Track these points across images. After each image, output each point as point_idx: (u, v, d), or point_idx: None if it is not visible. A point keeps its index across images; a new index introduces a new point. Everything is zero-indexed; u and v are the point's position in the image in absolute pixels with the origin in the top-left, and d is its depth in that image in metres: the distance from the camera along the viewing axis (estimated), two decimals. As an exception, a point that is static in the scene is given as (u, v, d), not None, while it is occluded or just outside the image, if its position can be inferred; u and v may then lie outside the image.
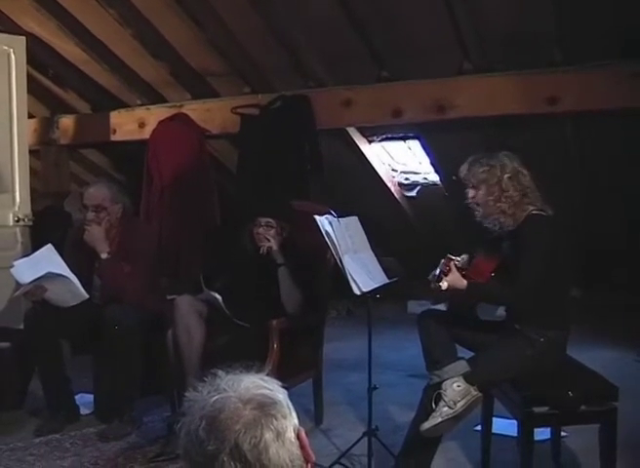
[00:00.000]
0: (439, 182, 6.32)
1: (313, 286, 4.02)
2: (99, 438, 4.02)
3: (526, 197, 3.22)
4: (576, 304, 3.91)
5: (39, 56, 6.09)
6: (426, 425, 3.08)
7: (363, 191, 6.48)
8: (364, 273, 3.57)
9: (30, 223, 5.18)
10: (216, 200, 6.17)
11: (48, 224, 5.62)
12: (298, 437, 1.32)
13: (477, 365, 3.16)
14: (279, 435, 1.27)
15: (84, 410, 4.38)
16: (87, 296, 4.13)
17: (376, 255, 3.79)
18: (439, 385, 3.13)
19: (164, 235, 5.68)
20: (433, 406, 3.11)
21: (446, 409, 3.07)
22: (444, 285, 3.12)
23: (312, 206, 4.27)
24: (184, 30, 5.40)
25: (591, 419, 3.08)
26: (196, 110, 6.19)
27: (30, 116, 6.12)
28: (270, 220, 4.02)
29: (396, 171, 6.61)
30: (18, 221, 5.11)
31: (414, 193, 6.62)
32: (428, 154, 6.04)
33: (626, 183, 5.48)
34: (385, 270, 3.77)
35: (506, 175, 3.21)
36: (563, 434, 3.62)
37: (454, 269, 3.13)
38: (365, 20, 4.90)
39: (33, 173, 5.89)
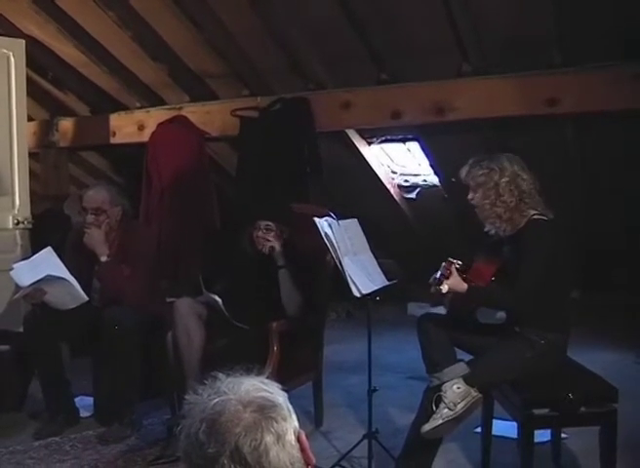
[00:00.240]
0: (439, 184, 6.31)
1: (313, 288, 4.02)
2: (98, 441, 4.02)
3: (524, 202, 3.21)
4: (575, 306, 3.91)
5: (38, 58, 6.09)
6: (427, 427, 3.08)
7: (362, 193, 6.48)
8: (364, 275, 3.58)
9: (30, 226, 5.17)
10: (215, 202, 6.17)
11: (47, 227, 5.62)
12: (298, 439, 1.32)
13: (477, 367, 3.16)
14: (279, 438, 1.27)
15: (84, 413, 4.38)
16: (86, 299, 4.14)
17: (375, 258, 3.80)
18: (439, 387, 3.13)
19: (163, 237, 5.68)
20: (433, 408, 3.11)
21: (446, 410, 3.07)
22: (445, 288, 3.12)
23: (312, 208, 4.28)
24: (183, 32, 5.40)
25: (591, 421, 3.09)
26: (195, 113, 6.19)
27: (30, 119, 6.13)
28: (270, 224, 4.02)
29: (396, 173, 6.61)
30: (17, 224, 5.10)
31: (413, 195, 6.62)
32: (428, 156, 6.04)
33: (626, 184, 5.48)
34: (385, 272, 3.77)
35: (504, 180, 3.21)
36: (563, 436, 3.62)
37: (454, 273, 3.13)
38: (364, 22, 4.89)
39: (33, 175, 5.89)
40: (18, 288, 4.22)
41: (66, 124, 7.09)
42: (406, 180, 6.62)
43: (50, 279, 4.02)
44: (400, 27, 4.84)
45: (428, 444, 3.21)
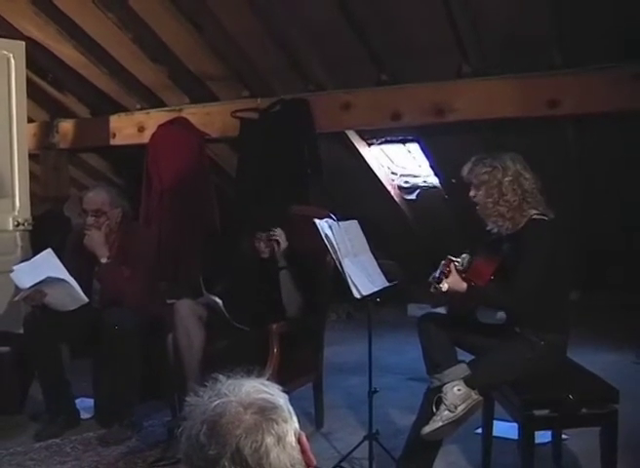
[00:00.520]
0: (439, 185, 6.32)
1: (313, 289, 4.02)
2: (99, 442, 4.02)
3: (526, 201, 3.21)
4: (574, 306, 3.91)
5: (38, 60, 6.10)
6: (427, 429, 3.08)
7: (363, 194, 6.48)
8: (364, 276, 3.57)
9: (30, 228, 5.18)
10: (215, 204, 6.17)
11: (47, 229, 5.61)
12: (299, 441, 1.32)
13: (478, 368, 3.16)
14: (280, 439, 1.27)
15: (84, 415, 4.38)
16: (87, 300, 4.14)
17: (375, 259, 3.80)
18: (440, 389, 3.13)
19: (163, 239, 5.69)
20: (434, 409, 3.10)
21: (447, 412, 3.07)
22: (444, 286, 3.11)
23: (312, 209, 4.28)
24: (183, 34, 5.40)
25: (592, 422, 3.09)
26: (196, 114, 6.20)
27: (30, 120, 6.13)
28: (272, 232, 4.00)
29: (396, 174, 6.61)
30: (17, 226, 5.11)
31: (413, 196, 6.62)
32: (428, 157, 6.04)
33: (624, 185, 5.49)
34: (385, 273, 3.77)
35: (507, 179, 3.20)
36: (564, 437, 3.61)
37: (454, 271, 3.13)
38: (364, 23, 4.89)
39: (33, 177, 5.89)
40: (18, 289, 4.23)
41: (66, 125, 7.09)
42: (406, 181, 6.62)
43: (50, 281, 4.02)
44: (399, 28, 4.84)
45: (429, 445, 3.21)
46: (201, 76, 6.05)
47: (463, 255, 3.23)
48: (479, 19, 4.57)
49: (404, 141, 6.18)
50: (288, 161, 5.62)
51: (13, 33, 5.63)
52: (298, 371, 3.98)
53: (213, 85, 6.12)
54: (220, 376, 1.36)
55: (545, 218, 3.19)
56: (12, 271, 4.21)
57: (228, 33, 5.33)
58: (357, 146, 6.03)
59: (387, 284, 3.71)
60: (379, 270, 3.75)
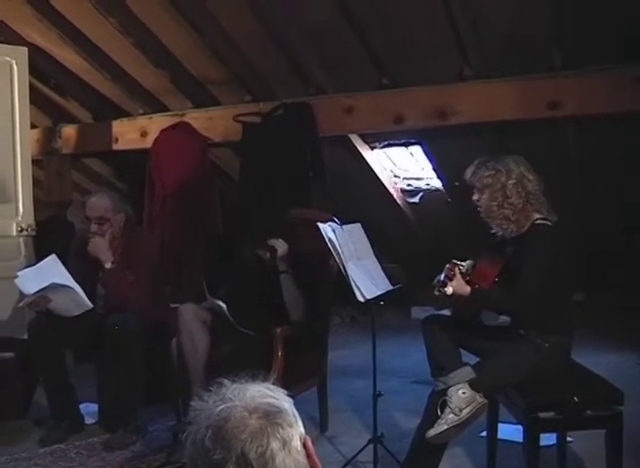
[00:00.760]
0: (442, 188, 6.32)
1: (316, 293, 4.02)
2: (103, 447, 4.01)
3: (530, 203, 3.20)
4: (579, 308, 3.90)
5: (41, 66, 6.11)
6: (432, 432, 3.07)
7: (366, 198, 6.48)
8: (367, 280, 3.57)
9: (34, 233, 5.18)
10: (218, 208, 6.18)
11: (51, 234, 5.62)
12: (304, 445, 1.31)
13: (482, 371, 3.15)
14: (285, 444, 1.27)
15: (88, 420, 4.37)
16: (91, 306, 4.14)
17: (379, 262, 3.79)
18: (444, 392, 3.12)
19: (166, 243, 5.68)
20: (439, 412, 3.10)
21: (451, 416, 3.06)
22: (449, 290, 3.11)
23: (315, 213, 4.27)
24: (185, 38, 5.41)
25: (597, 424, 3.08)
26: (198, 119, 6.20)
27: (33, 126, 6.14)
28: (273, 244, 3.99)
29: (399, 177, 6.61)
30: (21, 231, 5.11)
31: (416, 199, 6.62)
32: (431, 160, 6.05)
33: (624, 186, 5.49)
34: (389, 277, 3.77)
35: (511, 182, 3.19)
36: (569, 439, 3.60)
37: (458, 275, 3.12)
38: (364, 25, 4.90)
39: (36, 182, 5.90)
40: (22, 295, 4.23)
41: (69, 131, 7.10)
42: (409, 185, 6.63)
43: (54, 286, 4.02)
44: (399, 29, 4.84)
45: (434, 448, 3.20)
46: (203, 80, 6.06)
47: (468, 261, 3.23)
48: (479, 19, 4.57)
49: (407, 145, 6.19)
50: (290, 165, 5.62)
51: (15, 39, 5.64)
52: (302, 375, 3.98)
53: (215, 89, 6.13)
54: (225, 381, 1.36)
55: (549, 223, 3.19)
56: (16, 277, 4.21)
57: (230, 37, 5.35)
58: (360, 150, 6.03)
59: (391, 287, 3.71)
60: (382, 273, 3.75)
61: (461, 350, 3.30)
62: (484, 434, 3.62)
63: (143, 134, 6.53)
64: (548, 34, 4.53)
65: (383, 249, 4.53)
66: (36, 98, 6.18)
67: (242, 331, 3.90)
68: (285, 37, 5.21)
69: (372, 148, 6.18)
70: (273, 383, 1.38)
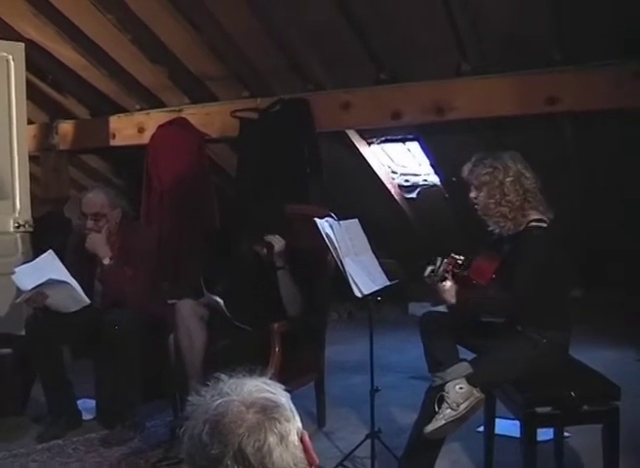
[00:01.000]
0: (439, 184, 6.32)
1: (313, 288, 4.02)
2: (101, 443, 4.01)
3: (527, 201, 3.20)
4: (578, 304, 3.91)
5: (38, 62, 6.10)
6: (429, 427, 3.08)
7: (363, 194, 6.48)
8: (365, 275, 3.58)
9: (31, 229, 5.18)
10: (215, 204, 6.17)
11: (48, 230, 5.61)
12: (301, 440, 1.32)
13: (479, 366, 3.15)
14: (282, 438, 1.27)
15: (86, 416, 4.38)
16: (88, 302, 4.14)
17: (376, 258, 3.80)
18: (442, 387, 3.12)
19: (164, 239, 5.68)
20: (436, 408, 3.10)
21: (449, 411, 3.06)
22: (447, 284, 3.12)
23: (312, 209, 4.27)
24: (182, 34, 5.40)
25: (594, 419, 3.08)
26: (195, 114, 6.19)
27: (30, 122, 6.13)
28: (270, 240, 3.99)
29: (396, 173, 6.61)
30: (18, 228, 5.11)
31: (414, 195, 6.62)
32: (428, 156, 6.04)
33: (624, 182, 5.49)
34: (386, 272, 3.77)
35: (508, 179, 3.19)
36: (566, 434, 3.61)
37: (450, 283, 3.14)
38: (363, 22, 4.89)
39: (33, 178, 5.89)
40: (19, 291, 4.23)
41: (66, 127, 7.09)
42: (406, 180, 6.62)
43: (52, 282, 4.02)
44: (399, 28, 4.84)
45: (431, 443, 3.20)
46: (201, 76, 6.05)
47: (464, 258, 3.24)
48: (479, 18, 4.56)
49: (404, 140, 6.18)
50: (288, 161, 5.61)
51: (12, 35, 5.63)
52: (299, 370, 3.98)
53: (212, 85, 6.12)
54: (223, 376, 1.36)
55: (544, 224, 3.18)
56: (13, 273, 4.21)
57: (227, 33, 5.33)
58: (357, 145, 6.03)
59: (388, 282, 3.71)
60: (379, 269, 3.76)
61: (458, 347, 3.31)
62: (481, 429, 3.62)
63: (141, 130, 6.52)
64: (548, 33, 4.53)
65: (381, 244, 4.52)
66: (33, 94, 6.17)
67: (239, 326, 3.90)
68: (283, 34, 5.20)
69: (369, 144, 6.18)
70: (270, 378, 1.38)
